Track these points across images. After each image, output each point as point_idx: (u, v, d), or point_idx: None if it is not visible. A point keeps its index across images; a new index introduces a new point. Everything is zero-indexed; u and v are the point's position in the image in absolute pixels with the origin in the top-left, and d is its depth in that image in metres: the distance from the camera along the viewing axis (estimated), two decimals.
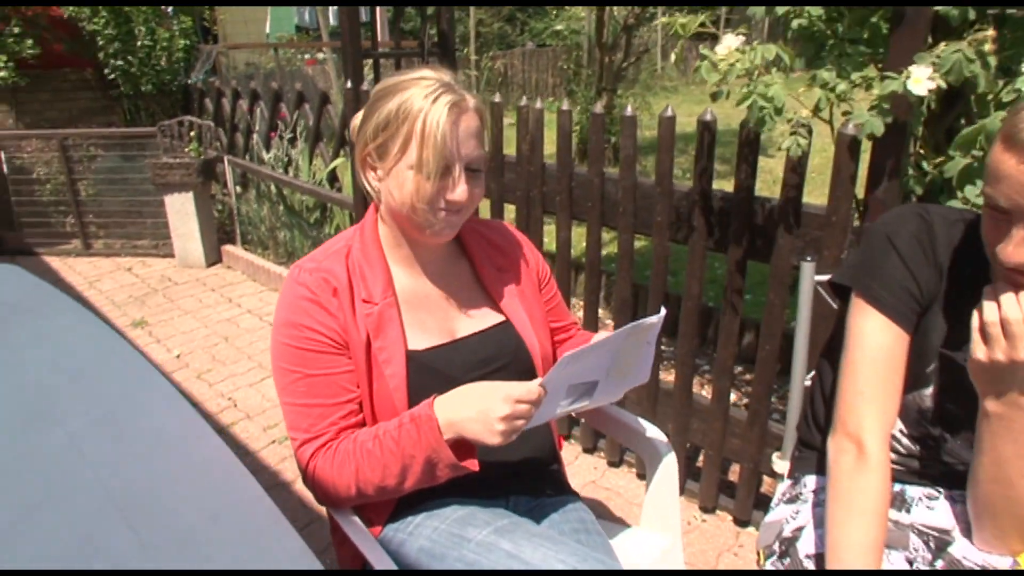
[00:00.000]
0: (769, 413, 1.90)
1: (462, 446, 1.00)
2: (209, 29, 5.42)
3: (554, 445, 1.29)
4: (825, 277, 1.31)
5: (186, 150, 4.10)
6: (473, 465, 1.01)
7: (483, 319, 1.19)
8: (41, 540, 0.84)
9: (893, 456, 1.14)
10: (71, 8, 4.68)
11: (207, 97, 4.79)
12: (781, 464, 1.39)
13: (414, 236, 1.11)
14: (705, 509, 2.14)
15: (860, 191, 1.62)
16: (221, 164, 4.30)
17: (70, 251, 4.56)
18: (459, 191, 1.04)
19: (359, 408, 1.08)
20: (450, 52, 3.41)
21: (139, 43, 4.71)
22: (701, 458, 2.18)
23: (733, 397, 2.75)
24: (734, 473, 2.24)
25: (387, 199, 1.07)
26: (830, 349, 1.20)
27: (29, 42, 4.61)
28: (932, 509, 1.11)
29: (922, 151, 1.74)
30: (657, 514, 1.30)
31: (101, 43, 4.70)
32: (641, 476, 2.32)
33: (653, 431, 1.31)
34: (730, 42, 1.48)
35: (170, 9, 5.03)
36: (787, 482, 1.28)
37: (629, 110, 1.97)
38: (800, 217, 1.67)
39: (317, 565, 0.80)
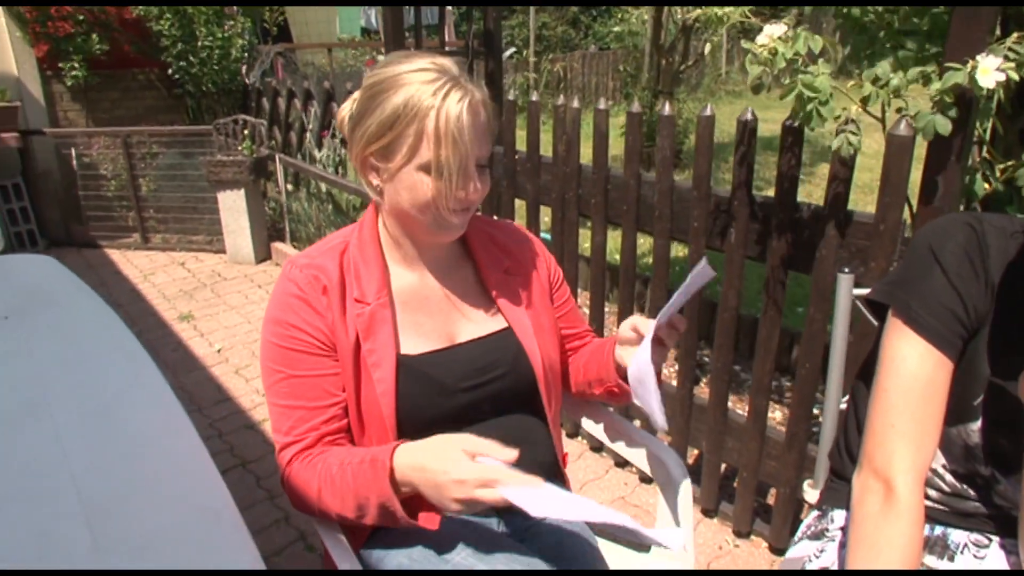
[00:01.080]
0: (809, 435, 1.77)
1: (424, 499, 0.92)
2: (268, 30, 5.53)
3: (557, 462, 1.20)
4: (865, 291, 1.19)
5: (239, 148, 4.18)
6: (431, 523, 0.94)
7: (484, 325, 1.12)
8: None
9: (934, 494, 1.01)
10: (139, 9, 4.84)
11: (264, 97, 4.88)
12: (813, 493, 1.27)
13: (419, 236, 1.06)
14: (739, 534, 2.01)
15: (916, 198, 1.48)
16: (273, 162, 4.37)
17: (130, 244, 4.71)
18: (473, 189, 0.98)
19: (343, 413, 1.02)
20: (496, 52, 3.35)
21: (200, 43, 4.83)
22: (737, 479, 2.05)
23: (779, 416, 2.60)
24: (773, 496, 2.10)
25: (392, 200, 1.01)
26: (866, 371, 1.08)
27: (95, 37, 4.78)
28: (981, 559, 0.98)
29: (988, 155, 1.58)
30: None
31: (165, 44, 4.85)
32: None
33: (665, 452, 1.21)
34: (772, 30, 1.37)
35: (236, 9, 5.14)
36: (814, 514, 1.16)
37: (667, 109, 1.87)
38: (846, 225, 1.54)
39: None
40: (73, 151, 4.71)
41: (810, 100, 1.37)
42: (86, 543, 0.81)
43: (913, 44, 1.43)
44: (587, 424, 1.36)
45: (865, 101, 1.45)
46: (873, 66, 1.36)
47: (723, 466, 2.05)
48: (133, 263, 4.42)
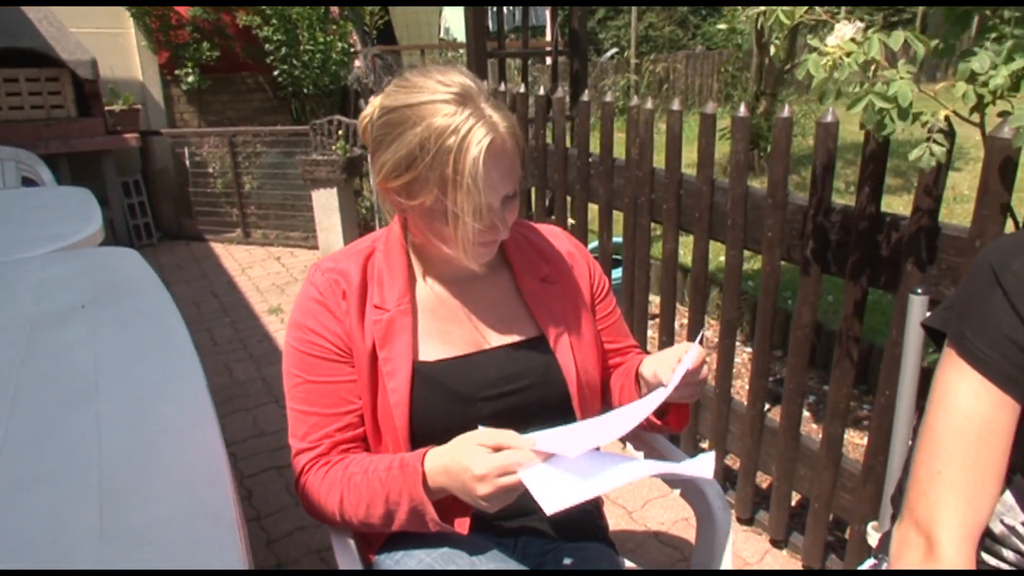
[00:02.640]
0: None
1: (455, 502, 0.91)
2: (368, 33, 5.71)
3: None
4: None
5: (333, 148, 4.32)
6: (462, 527, 0.93)
7: (514, 333, 1.07)
8: (14, 515, 0.85)
9: (1012, 556, 0.87)
10: (246, 17, 5.11)
11: (361, 97, 5.04)
12: (875, 536, 1.14)
13: (443, 256, 1.00)
14: (808, 570, 1.86)
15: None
16: (365, 162, 4.49)
17: (232, 239, 4.99)
18: (496, 228, 0.93)
19: (359, 421, 1.01)
20: (582, 52, 3.29)
21: (303, 47, 5.05)
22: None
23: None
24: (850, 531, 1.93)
25: (414, 226, 0.98)
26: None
27: (206, 45, 5.10)
28: None
29: None
30: None
31: (271, 48, 5.09)
32: (742, 520, 2.07)
33: (707, 484, 1.12)
34: (844, 31, 1.24)
35: (344, 10, 5.33)
36: (869, 562, 1.04)
37: (742, 110, 1.75)
38: (935, 239, 1.38)
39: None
40: (186, 150, 5.04)
41: (881, 111, 1.23)
42: (95, 529, 0.83)
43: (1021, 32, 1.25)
44: (631, 445, 1.28)
45: (968, 105, 1.29)
46: (968, 61, 1.20)
47: (795, 496, 1.91)
48: (234, 256, 4.67)
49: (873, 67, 1.19)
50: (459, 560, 0.94)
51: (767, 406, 1.94)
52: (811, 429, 2.51)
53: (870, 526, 1.17)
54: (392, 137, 0.90)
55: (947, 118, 1.25)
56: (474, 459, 0.83)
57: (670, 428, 1.09)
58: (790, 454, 1.81)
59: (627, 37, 11.78)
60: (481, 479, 0.82)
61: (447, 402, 1.00)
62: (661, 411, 1.06)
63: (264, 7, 5.03)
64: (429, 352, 1.02)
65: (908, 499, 0.78)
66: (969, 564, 0.73)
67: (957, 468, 0.74)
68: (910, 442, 1.09)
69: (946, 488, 0.74)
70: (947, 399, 0.77)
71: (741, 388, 2.79)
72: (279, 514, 2.15)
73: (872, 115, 1.20)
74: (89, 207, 2.65)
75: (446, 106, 0.87)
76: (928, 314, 1.05)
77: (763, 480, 2.14)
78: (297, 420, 1.00)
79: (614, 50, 10.76)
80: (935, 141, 1.22)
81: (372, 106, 0.97)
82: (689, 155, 1.88)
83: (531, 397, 1.04)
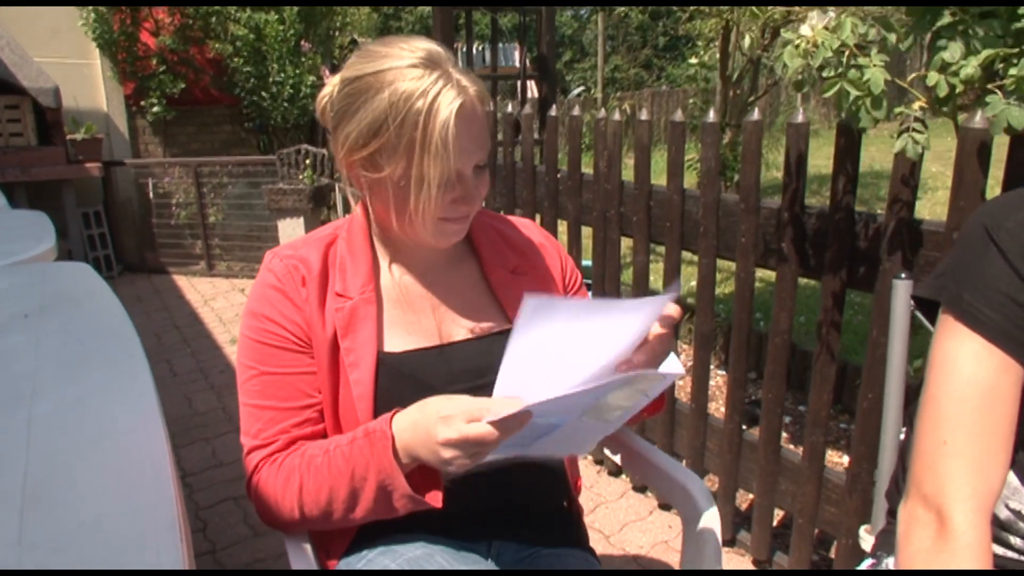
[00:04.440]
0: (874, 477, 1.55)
1: (426, 475, 0.83)
2: (337, 65, 5.72)
3: (568, 486, 1.07)
4: None
5: (300, 177, 4.26)
6: (435, 500, 0.83)
7: (483, 325, 1.01)
8: None
9: (1018, 542, 0.82)
10: (218, 45, 5.07)
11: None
12: (869, 540, 1.09)
13: (411, 238, 0.94)
14: None
15: None
16: (333, 192, 4.44)
17: (196, 271, 4.86)
18: (470, 197, 0.88)
19: (319, 417, 0.93)
20: (550, 76, 3.31)
21: (271, 79, 5.02)
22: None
23: (847, 460, 2.35)
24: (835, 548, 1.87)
25: (380, 205, 0.92)
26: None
27: (167, 77, 5.03)
28: None
29: None
30: None
31: (239, 80, 5.05)
32: (722, 541, 1.99)
33: (689, 478, 1.06)
34: (817, 20, 1.23)
35: (313, 41, 5.32)
36: (867, 562, 0.98)
37: (711, 116, 1.74)
38: (914, 235, 1.36)
39: None
40: (150, 181, 4.94)
41: (850, 97, 1.21)
42: (11, 538, 0.74)
43: (986, 26, 1.25)
44: (608, 448, 1.22)
45: (937, 97, 1.28)
46: (939, 52, 1.20)
47: (778, 513, 1.84)
48: (197, 288, 4.55)
49: (847, 53, 1.18)
50: (430, 563, 0.86)
51: (744, 427, 1.89)
52: (790, 449, 2.46)
53: (862, 529, 1.12)
54: (356, 106, 0.85)
55: (921, 108, 1.25)
56: (442, 404, 0.79)
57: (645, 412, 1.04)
58: (771, 468, 1.75)
59: (593, 79, 12.02)
60: (446, 420, 0.75)
61: (414, 395, 0.92)
62: None
63: (234, 38, 5.00)
64: (394, 343, 0.95)
65: (913, 474, 0.73)
66: (984, 538, 0.67)
67: (963, 437, 0.69)
68: (902, 436, 1.05)
69: (954, 459, 0.69)
70: (947, 366, 0.72)
71: (716, 410, 2.74)
72: (236, 547, 2.02)
73: (844, 102, 1.19)
74: (42, 228, 2.53)
75: (413, 70, 0.83)
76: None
77: (743, 501, 2.07)
78: (250, 416, 0.92)
79: (581, 87, 10.96)
80: (914, 130, 1.21)
81: (331, 84, 0.92)
82: (657, 182, 1.85)
83: None
